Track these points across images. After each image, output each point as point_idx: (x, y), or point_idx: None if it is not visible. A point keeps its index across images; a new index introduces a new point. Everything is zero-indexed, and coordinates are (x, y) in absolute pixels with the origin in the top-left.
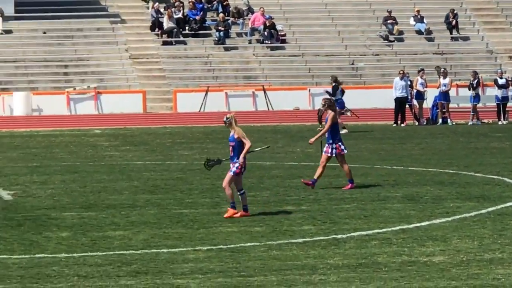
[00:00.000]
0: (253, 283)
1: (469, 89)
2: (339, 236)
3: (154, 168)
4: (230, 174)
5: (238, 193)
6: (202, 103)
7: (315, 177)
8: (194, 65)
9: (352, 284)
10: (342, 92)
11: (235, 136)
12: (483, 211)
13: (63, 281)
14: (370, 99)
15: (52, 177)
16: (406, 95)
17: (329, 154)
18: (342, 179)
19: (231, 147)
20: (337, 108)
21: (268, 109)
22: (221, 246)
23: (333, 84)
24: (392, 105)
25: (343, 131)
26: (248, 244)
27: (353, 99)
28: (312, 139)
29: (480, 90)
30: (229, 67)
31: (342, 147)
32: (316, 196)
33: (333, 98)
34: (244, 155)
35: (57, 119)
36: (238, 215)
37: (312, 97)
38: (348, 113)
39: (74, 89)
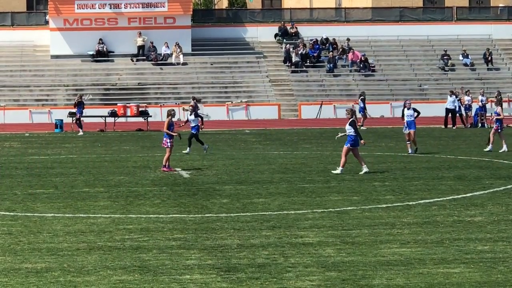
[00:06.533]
0: (351, 235)
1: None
2: (410, 203)
3: (285, 156)
4: None
5: None
6: (318, 112)
7: (164, 162)
8: (312, 87)
9: (419, 236)
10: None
11: None
12: (509, 186)
13: (223, 232)
14: (431, 110)
15: (216, 161)
16: (454, 108)
17: (164, 146)
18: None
19: None
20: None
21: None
22: (330, 209)
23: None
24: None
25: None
26: (349, 208)
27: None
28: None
29: (504, 104)
30: (336, 88)
31: (166, 141)
32: (395, 176)
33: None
34: None
35: (220, 123)
36: None
37: (393, 108)
38: None
39: (231, 102)
